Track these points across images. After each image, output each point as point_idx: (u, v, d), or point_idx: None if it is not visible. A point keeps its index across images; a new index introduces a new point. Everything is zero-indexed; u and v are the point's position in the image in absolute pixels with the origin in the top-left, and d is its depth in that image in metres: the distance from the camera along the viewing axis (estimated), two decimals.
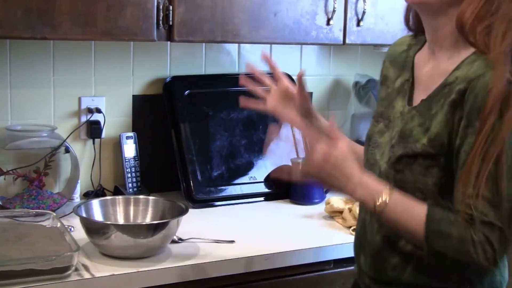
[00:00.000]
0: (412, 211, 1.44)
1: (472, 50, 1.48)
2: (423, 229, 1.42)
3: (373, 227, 1.64)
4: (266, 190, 2.51)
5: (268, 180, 2.50)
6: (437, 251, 1.42)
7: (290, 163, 1.80)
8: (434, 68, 1.57)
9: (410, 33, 1.73)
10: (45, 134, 2.29)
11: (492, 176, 1.37)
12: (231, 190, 2.49)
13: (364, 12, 2.40)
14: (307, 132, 1.56)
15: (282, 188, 2.52)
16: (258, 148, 2.57)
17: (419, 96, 1.57)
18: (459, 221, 1.39)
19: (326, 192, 2.47)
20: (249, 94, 1.74)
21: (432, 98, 1.52)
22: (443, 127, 1.47)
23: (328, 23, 2.37)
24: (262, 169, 2.53)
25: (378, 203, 1.43)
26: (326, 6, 2.36)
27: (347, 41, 2.43)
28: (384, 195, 1.43)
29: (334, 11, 2.36)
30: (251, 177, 2.53)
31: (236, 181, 2.51)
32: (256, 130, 2.58)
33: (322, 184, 1.43)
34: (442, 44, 1.54)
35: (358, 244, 1.71)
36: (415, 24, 1.67)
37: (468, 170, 1.37)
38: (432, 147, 1.49)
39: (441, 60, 1.54)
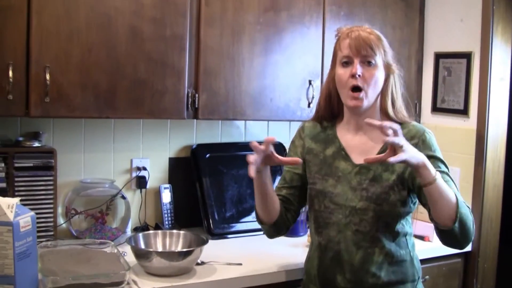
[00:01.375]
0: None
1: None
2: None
3: (350, 250, 1.66)
4: None
5: None
6: (462, 218, 1.51)
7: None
8: (364, 139, 1.71)
9: (309, 120, 1.84)
10: (107, 185, 2.31)
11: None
12: (239, 226, 2.46)
13: None
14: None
15: None
16: None
17: (357, 157, 1.69)
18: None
19: (308, 227, 2.41)
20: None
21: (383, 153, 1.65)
22: (404, 167, 1.62)
23: (309, 106, 2.40)
24: None
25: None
26: (307, 94, 2.40)
27: None
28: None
29: (313, 97, 2.40)
30: (254, 217, 2.42)
31: (243, 220, 2.48)
32: None
33: (414, 159, 1.46)
34: None
35: (333, 269, 1.71)
36: (329, 114, 1.79)
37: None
38: (400, 180, 1.62)
39: (370, 132, 1.68)
